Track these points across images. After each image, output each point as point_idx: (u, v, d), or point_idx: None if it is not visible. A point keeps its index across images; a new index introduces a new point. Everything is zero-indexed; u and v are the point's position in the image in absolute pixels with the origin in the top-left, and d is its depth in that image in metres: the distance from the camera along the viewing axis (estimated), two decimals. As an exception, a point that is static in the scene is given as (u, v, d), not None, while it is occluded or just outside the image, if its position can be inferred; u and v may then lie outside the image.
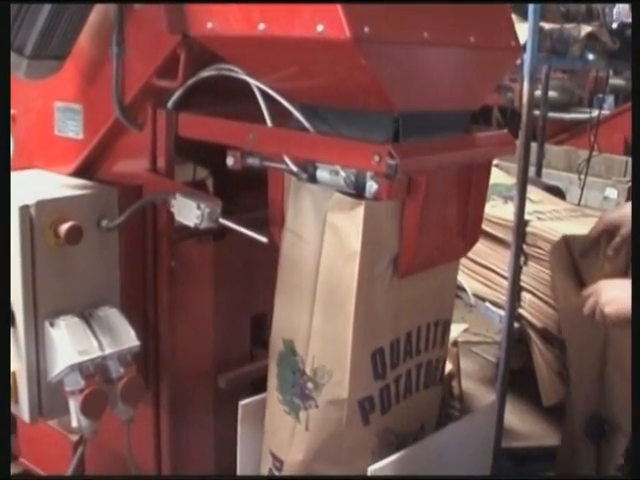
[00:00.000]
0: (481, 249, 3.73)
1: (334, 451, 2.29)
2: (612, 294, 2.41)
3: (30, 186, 2.48)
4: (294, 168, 2.13)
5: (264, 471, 2.46)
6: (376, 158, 1.92)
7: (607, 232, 3.12)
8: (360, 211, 2.06)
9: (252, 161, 2.23)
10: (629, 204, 3.10)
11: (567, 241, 3.25)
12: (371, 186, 1.99)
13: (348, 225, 2.09)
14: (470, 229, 2.38)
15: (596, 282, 2.61)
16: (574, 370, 3.36)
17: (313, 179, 2.11)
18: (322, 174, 2.09)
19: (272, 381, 2.39)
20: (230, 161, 2.25)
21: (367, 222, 2.07)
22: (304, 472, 2.34)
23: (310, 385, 2.25)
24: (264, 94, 2.16)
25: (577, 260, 3.26)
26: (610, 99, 8.87)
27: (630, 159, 6.27)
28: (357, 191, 2.03)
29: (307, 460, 2.32)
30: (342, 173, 2.04)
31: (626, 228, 2.97)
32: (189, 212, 2.30)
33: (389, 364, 2.30)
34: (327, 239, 2.16)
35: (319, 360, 2.23)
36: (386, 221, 2.13)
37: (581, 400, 3.38)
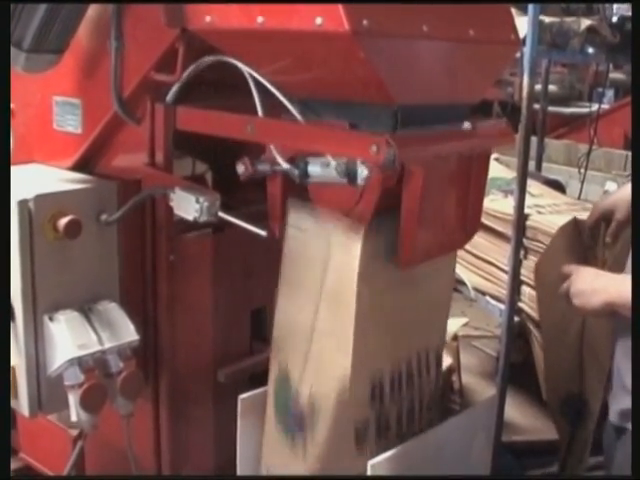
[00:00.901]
0: (481, 243, 3.73)
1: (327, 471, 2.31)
2: (580, 287, 2.41)
3: (29, 180, 2.48)
4: (285, 165, 2.15)
5: (264, 467, 2.47)
6: (374, 148, 1.91)
7: (604, 219, 3.09)
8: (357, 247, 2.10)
9: (263, 168, 2.23)
10: (622, 189, 3.09)
11: (577, 224, 3.25)
12: (362, 172, 2.00)
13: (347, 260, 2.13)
14: (469, 220, 2.37)
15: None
16: (551, 350, 3.38)
17: (305, 175, 2.12)
18: (314, 168, 2.11)
19: (270, 392, 2.40)
20: (240, 169, 2.24)
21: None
22: None
23: (307, 420, 2.29)
24: (263, 88, 2.16)
25: (585, 244, 3.26)
26: (610, 93, 8.87)
27: (630, 153, 6.26)
28: (349, 179, 2.04)
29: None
30: (333, 163, 2.05)
31: (620, 213, 2.94)
32: (188, 206, 2.30)
33: (388, 391, 2.32)
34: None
35: (316, 386, 2.25)
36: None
37: (558, 380, 3.41)
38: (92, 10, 2.37)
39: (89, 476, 2.86)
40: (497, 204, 3.83)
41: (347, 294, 2.14)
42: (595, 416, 3.40)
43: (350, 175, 2.03)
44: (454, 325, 3.63)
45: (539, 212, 3.65)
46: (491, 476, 2.78)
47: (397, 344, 2.32)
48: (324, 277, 2.20)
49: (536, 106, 4.78)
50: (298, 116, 2.09)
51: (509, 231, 3.43)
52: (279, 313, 2.34)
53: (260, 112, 2.17)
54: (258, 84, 2.16)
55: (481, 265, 3.91)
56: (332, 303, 2.19)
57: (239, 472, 2.50)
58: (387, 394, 2.31)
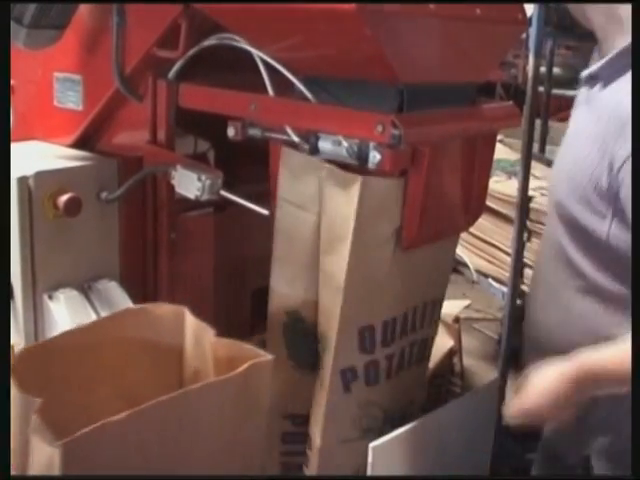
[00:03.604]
0: (484, 225, 3.72)
1: (319, 413, 2.31)
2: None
3: (29, 157, 2.46)
4: (296, 138, 2.11)
5: (274, 441, 2.46)
6: (379, 128, 1.89)
7: None
8: (355, 188, 2.03)
9: (253, 132, 2.20)
10: None
11: None
12: (374, 156, 1.95)
13: (342, 199, 2.08)
14: (474, 201, 2.35)
15: None
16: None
17: (315, 150, 2.08)
18: (324, 145, 2.06)
19: (278, 353, 2.37)
20: (231, 132, 2.22)
21: (362, 200, 2.04)
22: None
23: (319, 347, 2.27)
24: (266, 64, 2.14)
25: None
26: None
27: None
28: (360, 162, 2.00)
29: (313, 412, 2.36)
30: (344, 143, 2.01)
31: None
32: (190, 184, 2.28)
33: (380, 341, 2.28)
34: (324, 211, 2.14)
35: (322, 326, 2.24)
36: (386, 195, 2.10)
37: None
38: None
39: (90, 476, 2.86)
40: (501, 186, 3.83)
41: (342, 243, 2.10)
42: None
43: (361, 158, 2.00)
44: (456, 307, 3.63)
45: (543, 194, 3.65)
46: (491, 477, 2.76)
47: (398, 298, 2.30)
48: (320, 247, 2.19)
49: (540, 88, 4.75)
50: (308, 94, 2.06)
51: (512, 213, 3.42)
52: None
53: (271, 92, 2.15)
54: (264, 62, 2.14)
55: (484, 247, 3.91)
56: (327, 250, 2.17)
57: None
58: (378, 342, 2.28)
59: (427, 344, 2.51)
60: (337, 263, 2.13)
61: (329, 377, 2.24)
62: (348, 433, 2.32)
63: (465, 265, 3.81)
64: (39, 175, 2.28)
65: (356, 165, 2.01)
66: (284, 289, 2.31)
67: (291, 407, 2.43)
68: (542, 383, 1.97)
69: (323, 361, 2.26)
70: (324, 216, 2.14)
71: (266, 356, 1.89)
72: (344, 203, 2.07)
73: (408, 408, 2.48)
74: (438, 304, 2.50)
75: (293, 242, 2.24)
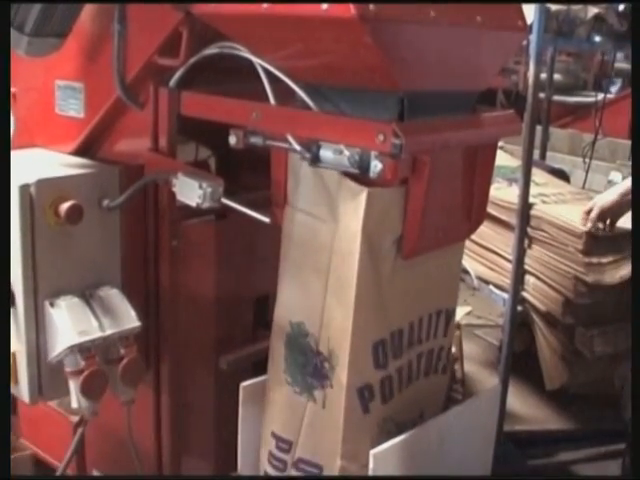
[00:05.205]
0: (485, 232, 3.72)
1: (336, 436, 2.28)
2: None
3: (31, 165, 2.46)
4: (297, 147, 2.11)
5: (264, 454, 2.45)
6: (380, 137, 1.89)
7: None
8: (362, 200, 2.04)
9: (255, 140, 2.21)
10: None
11: None
12: (375, 165, 1.95)
13: (350, 211, 2.08)
14: (475, 210, 2.36)
15: None
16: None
17: (317, 158, 2.08)
18: (326, 153, 2.06)
19: (277, 364, 2.37)
20: (233, 140, 2.23)
21: (368, 211, 2.05)
22: (316, 451, 2.34)
23: (327, 365, 2.25)
24: (268, 73, 2.14)
25: None
26: (618, 82, 8.85)
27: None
28: (361, 171, 2.00)
29: (322, 438, 2.32)
30: (346, 152, 2.00)
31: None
32: (191, 191, 2.28)
33: (391, 355, 2.28)
34: (335, 222, 2.14)
35: (332, 342, 2.23)
36: (390, 205, 2.11)
37: None
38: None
39: (90, 476, 2.86)
40: (502, 193, 3.82)
41: (351, 256, 2.11)
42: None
43: (363, 167, 1.99)
44: (457, 314, 3.63)
45: (544, 201, 3.65)
46: (491, 477, 2.76)
47: (402, 309, 2.30)
48: (331, 259, 2.18)
49: (541, 95, 4.75)
50: (310, 102, 2.07)
51: (513, 220, 3.42)
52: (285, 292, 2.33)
53: (272, 100, 2.15)
54: (265, 70, 2.14)
55: (485, 254, 3.90)
56: (339, 268, 2.17)
57: (240, 460, 2.50)
58: (390, 356, 2.28)
59: (435, 355, 2.50)
60: (347, 276, 2.13)
61: (345, 397, 2.22)
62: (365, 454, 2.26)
63: (466, 272, 3.81)
64: (41, 183, 2.28)
65: (357, 174, 2.02)
66: (292, 298, 2.31)
67: (277, 425, 2.42)
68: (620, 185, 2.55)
69: (332, 379, 2.25)
70: (335, 227, 2.15)
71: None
72: (351, 215, 2.08)
73: (418, 420, 2.47)
74: (447, 314, 2.50)
75: (306, 252, 2.24)
